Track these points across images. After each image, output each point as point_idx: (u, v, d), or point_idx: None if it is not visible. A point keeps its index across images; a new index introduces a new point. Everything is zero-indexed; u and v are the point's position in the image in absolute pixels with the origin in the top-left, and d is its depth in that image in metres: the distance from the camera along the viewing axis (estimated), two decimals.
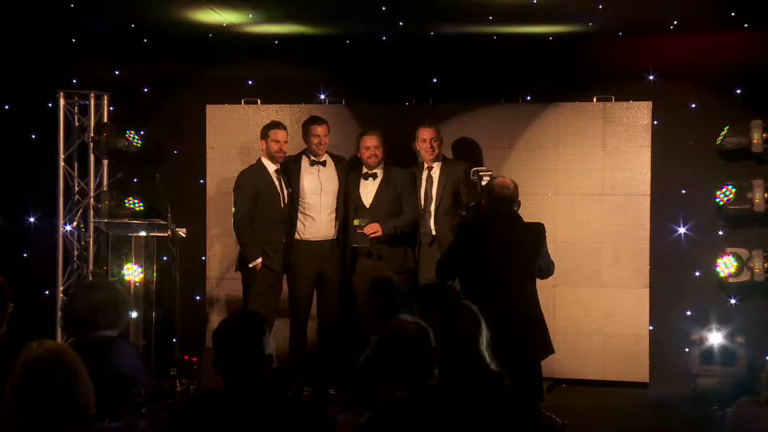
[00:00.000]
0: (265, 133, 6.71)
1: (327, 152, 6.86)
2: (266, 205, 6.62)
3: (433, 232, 6.73)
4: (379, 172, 6.74)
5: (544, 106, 7.36)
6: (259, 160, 6.75)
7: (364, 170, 6.78)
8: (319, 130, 6.71)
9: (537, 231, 5.28)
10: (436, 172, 6.80)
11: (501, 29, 7.26)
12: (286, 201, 6.68)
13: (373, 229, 6.54)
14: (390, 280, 4.67)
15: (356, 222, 6.60)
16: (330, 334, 6.85)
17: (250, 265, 6.58)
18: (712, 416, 6.09)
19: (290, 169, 6.79)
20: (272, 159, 6.67)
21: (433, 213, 6.74)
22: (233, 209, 6.69)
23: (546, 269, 5.32)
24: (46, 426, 2.53)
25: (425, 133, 6.81)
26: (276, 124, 6.76)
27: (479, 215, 5.46)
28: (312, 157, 6.77)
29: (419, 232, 6.81)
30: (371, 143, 6.70)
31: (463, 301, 3.91)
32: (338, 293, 6.81)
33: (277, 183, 6.67)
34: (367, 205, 6.70)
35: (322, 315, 6.91)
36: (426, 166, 6.84)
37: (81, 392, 2.59)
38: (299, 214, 6.74)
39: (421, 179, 6.82)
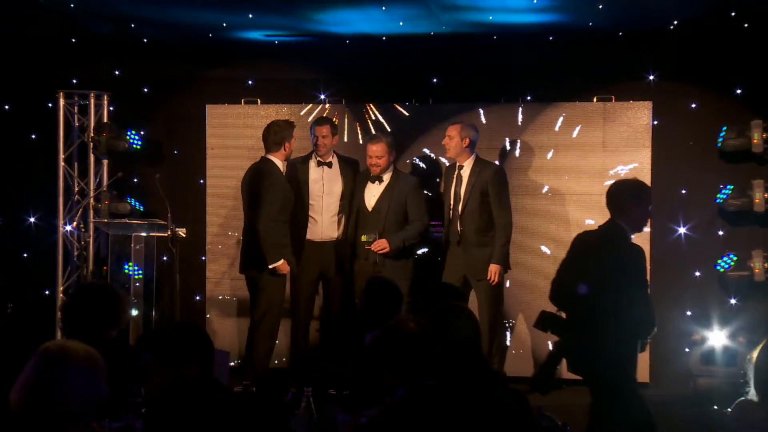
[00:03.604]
0: (290, 133, 6.60)
1: (337, 154, 6.84)
2: (284, 206, 6.56)
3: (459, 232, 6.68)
4: (386, 176, 6.67)
5: (544, 106, 7.36)
6: (271, 160, 6.58)
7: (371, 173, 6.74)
8: (318, 130, 6.69)
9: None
10: (466, 171, 6.69)
11: (501, 30, 7.28)
12: (293, 201, 6.68)
13: (381, 246, 6.47)
14: (386, 280, 4.68)
15: (364, 238, 6.51)
16: (331, 334, 6.84)
17: (272, 266, 6.41)
18: (712, 416, 6.09)
19: (297, 170, 6.78)
20: (287, 159, 6.62)
21: (459, 212, 6.67)
22: (262, 208, 6.43)
23: None
24: (46, 423, 2.55)
25: (448, 130, 6.77)
26: (294, 123, 6.74)
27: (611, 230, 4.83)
28: (318, 158, 6.76)
29: (447, 231, 6.75)
30: (373, 152, 6.60)
31: (460, 303, 3.93)
32: (340, 294, 6.80)
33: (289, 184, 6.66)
34: (370, 209, 6.66)
35: (323, 315, 6.90)
36: (457, 164, 6.75)
37: (79, 392, 2.60)
38: (305, 214, 6.74)
39: (452, 178, 6.76)
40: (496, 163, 7.07)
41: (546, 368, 4.89)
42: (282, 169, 6.62)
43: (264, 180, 6.49)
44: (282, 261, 6.42)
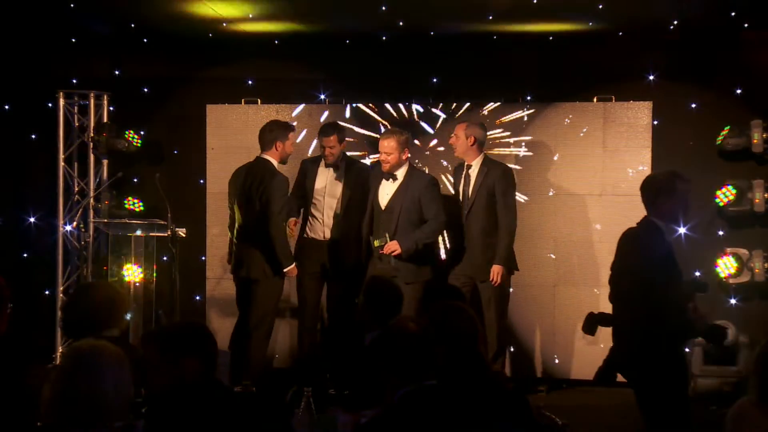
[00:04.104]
0: (284, 135, 6.52)
1: (347, 157, 6.80)
2: (285, 207, 6.51)
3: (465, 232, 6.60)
4: (400, 174, 6.44)
5: (544, 106, 7.36)
6: (268, 159, 6.48)
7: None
8: (325, 141, 6.64)
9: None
10: (473, 171, 6.58)
11: (501, 29, 7.27)
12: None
13: (392, 249, 6.26)
14: (386, 280, 4.67)
15: (376, 243, 6.33)
16: (335, 333, 6.82)
17: (286, 270, 6.40)
18: (712, 416, 6.09)
19: (308, 169, 6.79)
20: (282, 161, 6.56)
21: (466, 212, 6.58)
22: (273, 211, 6.33)
23: None
24: (79, 422, 2.62)
25: (455, 129, 6.68)
26: (293, 126, 6.68)
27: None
28: (327, 163, 6.76)
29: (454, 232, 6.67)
30: (383, 147, 6.44)
31: (458, 302, 3.92)
32: (342, 293, 6.76)
33: None
34: (383, 207, 6.49)
35: (327, 314, 6.89)
36: (465, 164, 6.66)
37: (112, 391, 2.68)
38: (310, 212, 6.74)
39: (461, 177, 6.67)
40: (504, 163, 6.92)
41: (608, 361, 4.73)
42: (278, 169, 6.53)
43: (276, 177, 6.41)
44: (293, 264, 6.43)
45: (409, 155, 6.53)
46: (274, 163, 6.51)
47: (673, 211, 4.60)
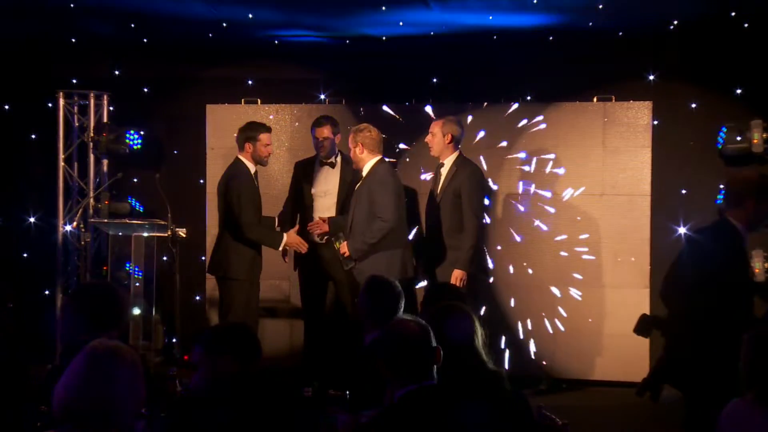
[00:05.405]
0: (254, 136, 6.38)
1: (343, 154, 6.65)
2: (258, 207, 6.46)
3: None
4: (365, 172, 6.17)
5: (544, 106, 7.36)
6: (241, 160, 6.40)
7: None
8: (318, 132, 6.57)
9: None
10: (445, 170, 6.41)
11: (501, 29, 7.28)
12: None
13: (343, 249, 6.11)
14: (385, 279, 4.66)
15: (337, 245, 6.19)
16: (335, 333, 6.81)
17: (281, 247, 6.34)
18: (711, 416, 6.08)
19: (304, 170, 6.75)
20: (258, 162, 6.46)
21: (434, 211, 6.47)
22: (242, 215, 6.27)
23: None
24: (92, 422, 2.63)
25: (431, 127, 6.49)
26: (267, 127, 6.55)
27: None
28: (321, 158, 6.69)
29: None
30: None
31: (458, 303, 3.91)
32: (346, 293, 6.71)
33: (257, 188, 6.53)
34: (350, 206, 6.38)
35: (331, 315, 6.88)
36: (440, 161, 6.47)
37: (126, 392, 2.69)
38: (311, 214, 6.67)
39: (435, 175, 6.55)
40: (476, 163, 6.65)
41: (655, 374, 4.53)
42: (251, 170, 6.42)
43: (232, 181, 6.33)
44: (285, 236, 6.34)
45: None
46: (247, 163, 6.40)
47: (758, 216, 4.37)
